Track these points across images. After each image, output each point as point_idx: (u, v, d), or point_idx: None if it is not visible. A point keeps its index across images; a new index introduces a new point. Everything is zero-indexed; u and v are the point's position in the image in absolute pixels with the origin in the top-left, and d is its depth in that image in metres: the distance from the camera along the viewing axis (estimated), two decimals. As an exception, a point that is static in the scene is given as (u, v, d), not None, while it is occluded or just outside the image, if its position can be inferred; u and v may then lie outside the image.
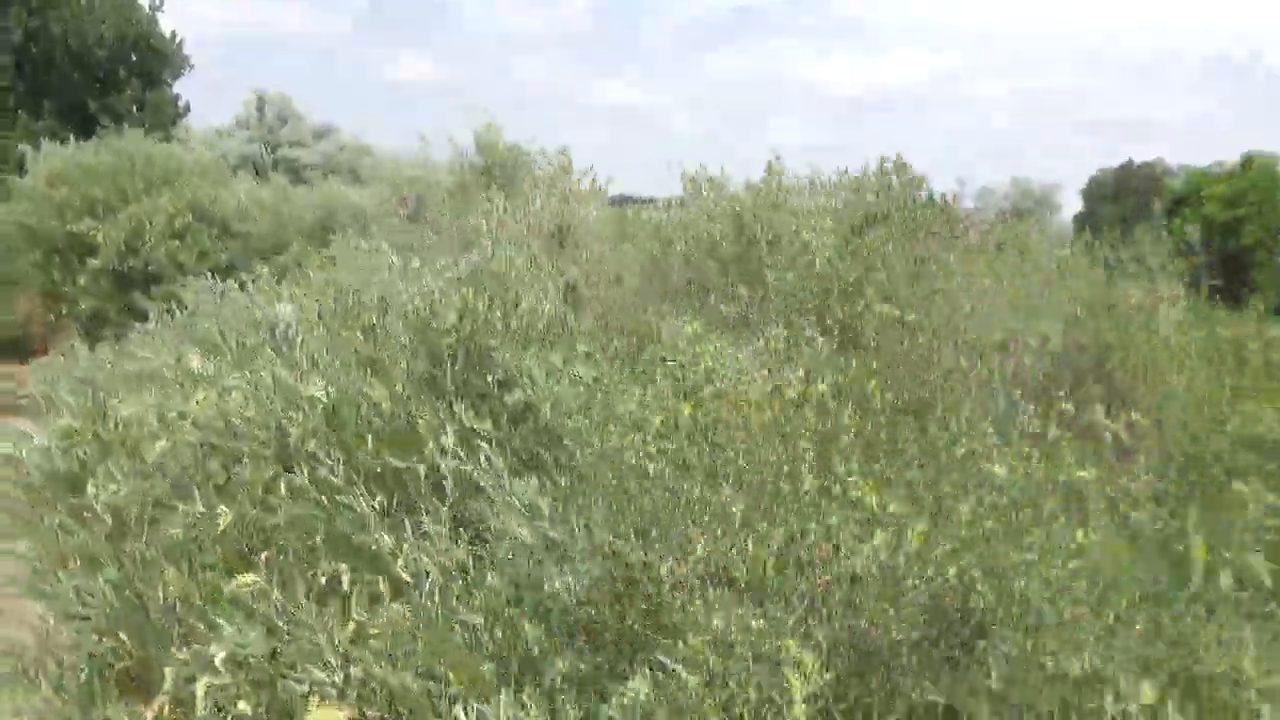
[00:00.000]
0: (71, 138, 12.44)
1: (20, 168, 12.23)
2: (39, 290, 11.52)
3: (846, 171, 4.65)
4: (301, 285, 5.11)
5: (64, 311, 11.40)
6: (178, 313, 6.53)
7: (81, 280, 11.14)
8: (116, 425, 3.15)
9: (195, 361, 3.31)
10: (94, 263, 11.07)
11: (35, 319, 11.43)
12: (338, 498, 2.54)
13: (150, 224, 11.15)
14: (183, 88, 44.75)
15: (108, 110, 41.36)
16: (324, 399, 2.73)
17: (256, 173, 22.12)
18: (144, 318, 11.30)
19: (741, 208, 4.28)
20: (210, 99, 55.77)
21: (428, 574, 2.34)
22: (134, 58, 41.59)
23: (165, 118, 41.93)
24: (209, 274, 7.15)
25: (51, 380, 6.75)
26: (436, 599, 2.27)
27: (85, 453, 3.18)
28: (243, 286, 7.47)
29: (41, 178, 11.59)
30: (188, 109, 43.03)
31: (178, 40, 42.88)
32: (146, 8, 42.58)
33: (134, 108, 41.65)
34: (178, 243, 11.15)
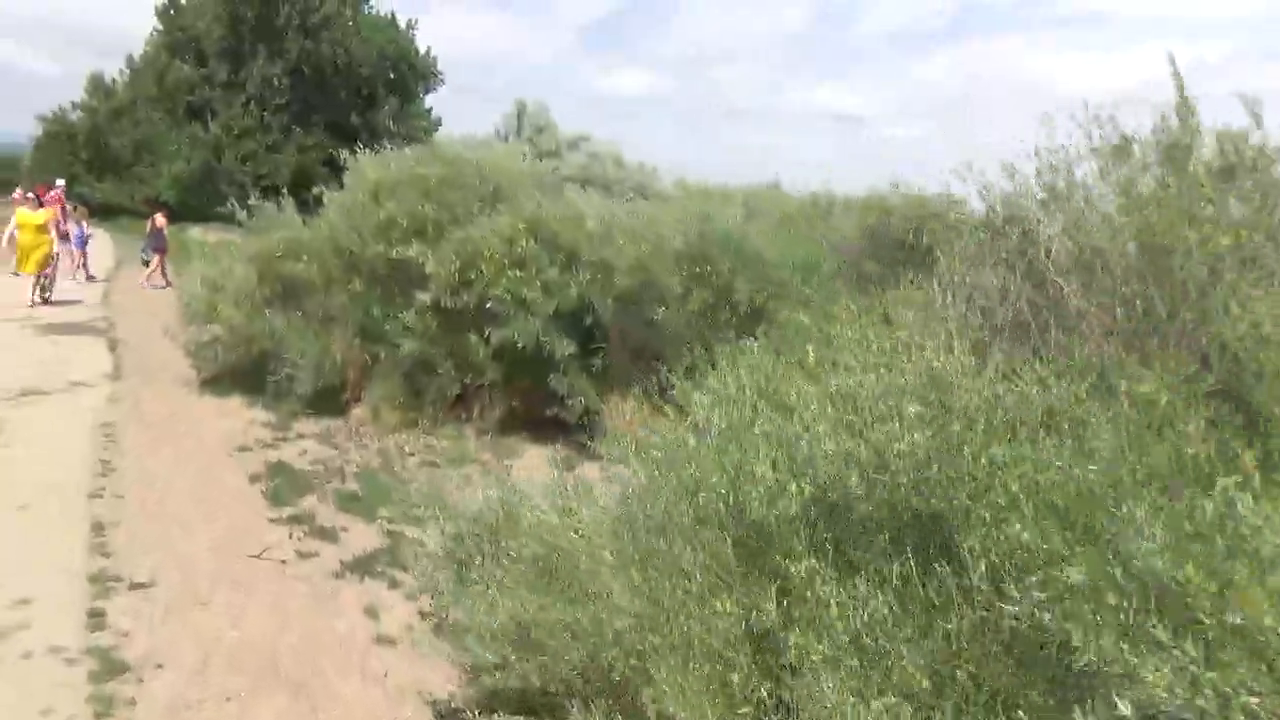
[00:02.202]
0: (387, 145, 9.95)
1: (334, 179, 9.86)
2: (355, 328, 9.06)
3: None
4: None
5: (382, 355, 8.89)
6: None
7: (406, 318, 8.59)
8: None
9: None
10: (422, 297, 8.50)
11: (351, 362, 8.97)
12: None
13: (487, 250, 8.48)
14: (430, 102, 44.16)
15: (368, 125, 41.06)
16: None
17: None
18: (475, 369, 8.61)
19: None
20: (448, 114, 55.04)
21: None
22: (392, 74, 41.17)
23: (420, 130, 41.34)
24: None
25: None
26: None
27: None
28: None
29: (364, 190, 9.14)
30: (439, 122, 42.32)
31: (432, 56, 42.25)
32: (404, 26, 42.07)
33: (391, 121, 41.27)
34: (518, 273, 8.42)
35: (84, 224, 19.05)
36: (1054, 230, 3.83)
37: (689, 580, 2.96)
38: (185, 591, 4.81)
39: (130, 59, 41.70)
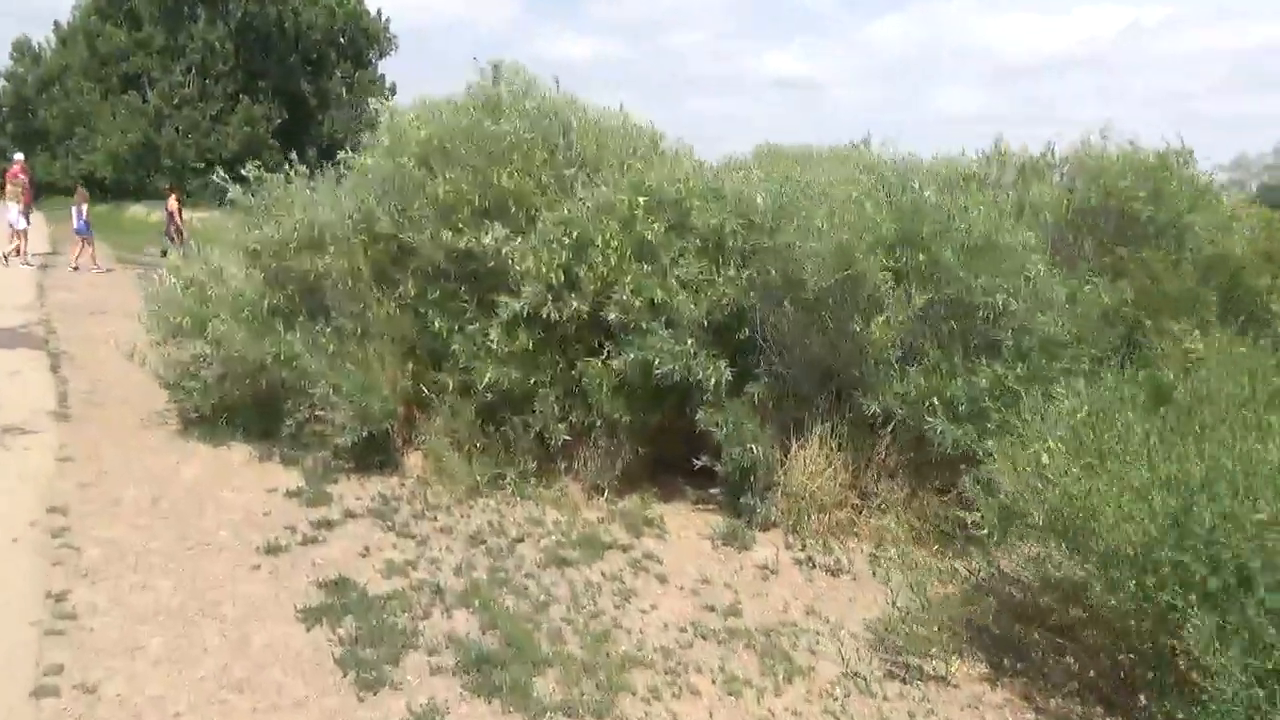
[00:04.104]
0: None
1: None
2: (400, 347, 6.19)
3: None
4: None
5: (450, 384, 6.03)
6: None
7: (490, 333, 5.73)
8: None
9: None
10: (510, 304, 5.65)
11: (398, 396, 6.11)
12: None
13: (602, 237, 5.67)
14: (383, 68, 40.02)
15: (319, 92, 36.99)
16: None
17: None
18: (591, 405, 5.21)
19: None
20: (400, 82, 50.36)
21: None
22: (343, 38, 37.09)
23: (373, 98, 37.33)
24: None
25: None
26: None
27: None
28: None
29: (408, 154, 6.20)
30: (395, 89, 38.39)
31: (384, 19, 38.18)
32: (354, -11, 37.77)
33: (344, 88, 37.31)
34: (645, 268, 5.65)
35: (84, 208, 15.63)
36: None
37: None
38: None
39: (58, 25, 36.83)
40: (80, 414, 6.96)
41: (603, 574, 4.78)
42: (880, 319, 5.16)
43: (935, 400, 5.24)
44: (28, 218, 15.71)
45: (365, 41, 36.99)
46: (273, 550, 4.69)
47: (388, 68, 58.07)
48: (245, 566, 4.51)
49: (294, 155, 6.67)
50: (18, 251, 15.72)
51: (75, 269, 15.19)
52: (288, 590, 4.28)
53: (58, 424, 6.65)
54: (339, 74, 36.77)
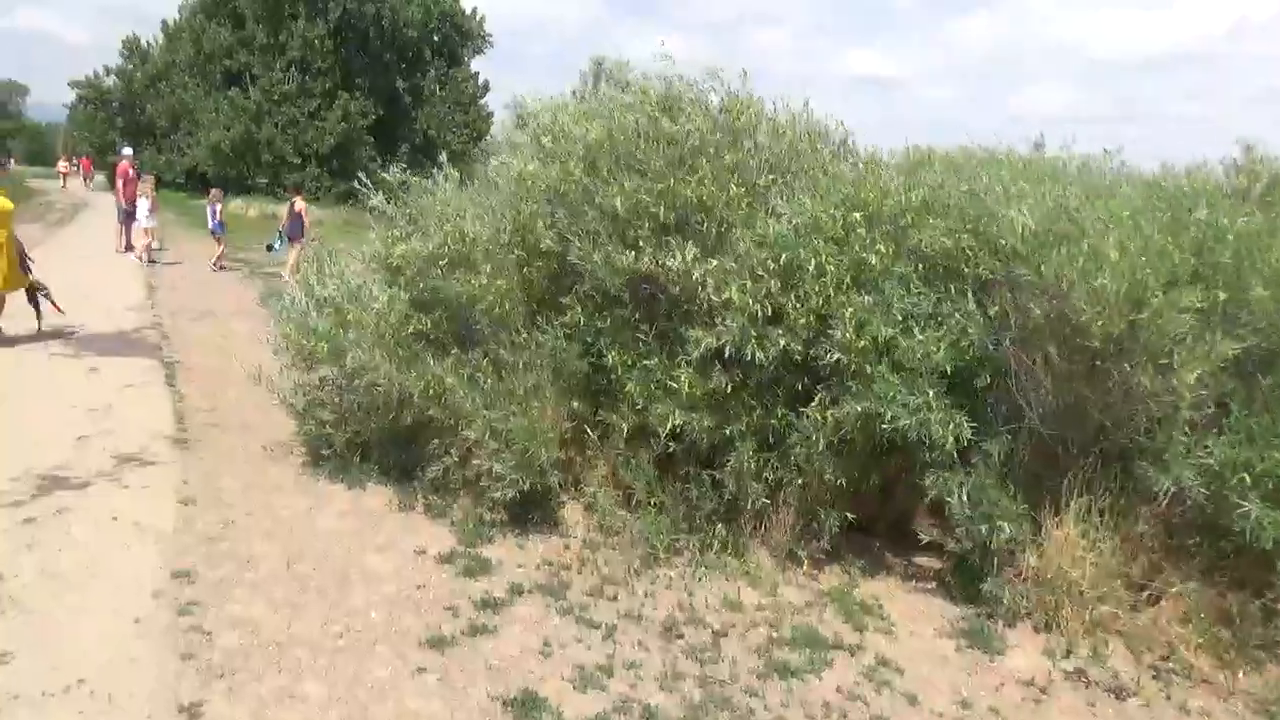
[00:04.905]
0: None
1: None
2: (562, 383, 5.23)
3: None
4: None
5: (624, 430, 5.07)
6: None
7: (677, 373, 4.75)
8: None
9: None
10: (705, 340, 4.64)
11: (561, 435, 5.16)
12: None
13: (814, 259, 4.61)
14: (475, 66, 39.45)
15: (413, 89, 36.64)
16: None
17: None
18: (796, 464, 4.05)
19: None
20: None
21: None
22: (437, 37, 36.69)
23: (466, 95, 36.88)
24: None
25: None
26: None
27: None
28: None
29: (572, 157, 5.24)
30: (487, 86, 37.87)
31: (479, 16, 37.65)
32: (450, -15, 37.21)
33: (437, 87, 36.93)
34: (866, 299, 4.59)
35: (219, 207, 15.41)
36: None
37: None
38: None
39: (165, 24, 37.29)
40: (199, 439, 6.23)
41: (838, 690, 3.75)
42: (1193, 372, 4.00)
43: (1246, 476, 4.06)
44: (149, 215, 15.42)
45: (459, 39, 36.54)
46: (436, 644, 3.78)
47: (478, 65, 58.00)
48: (408, 668, 3.60)
49: (443, 158, 5.76)
50: (129, 247, 15.47)
51: (222, 268, 14.99)
52: (464, 709, 3.36)
53: (177, 453, 5.92)
54: (433, 71, 36.43)
